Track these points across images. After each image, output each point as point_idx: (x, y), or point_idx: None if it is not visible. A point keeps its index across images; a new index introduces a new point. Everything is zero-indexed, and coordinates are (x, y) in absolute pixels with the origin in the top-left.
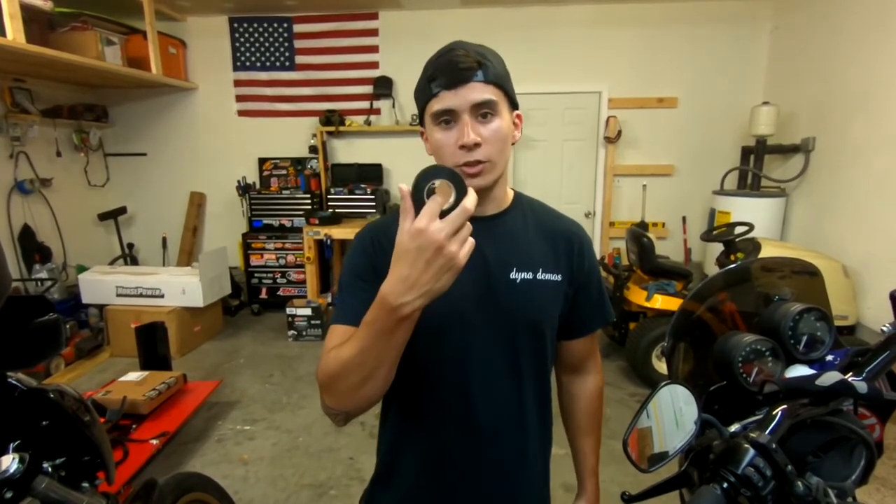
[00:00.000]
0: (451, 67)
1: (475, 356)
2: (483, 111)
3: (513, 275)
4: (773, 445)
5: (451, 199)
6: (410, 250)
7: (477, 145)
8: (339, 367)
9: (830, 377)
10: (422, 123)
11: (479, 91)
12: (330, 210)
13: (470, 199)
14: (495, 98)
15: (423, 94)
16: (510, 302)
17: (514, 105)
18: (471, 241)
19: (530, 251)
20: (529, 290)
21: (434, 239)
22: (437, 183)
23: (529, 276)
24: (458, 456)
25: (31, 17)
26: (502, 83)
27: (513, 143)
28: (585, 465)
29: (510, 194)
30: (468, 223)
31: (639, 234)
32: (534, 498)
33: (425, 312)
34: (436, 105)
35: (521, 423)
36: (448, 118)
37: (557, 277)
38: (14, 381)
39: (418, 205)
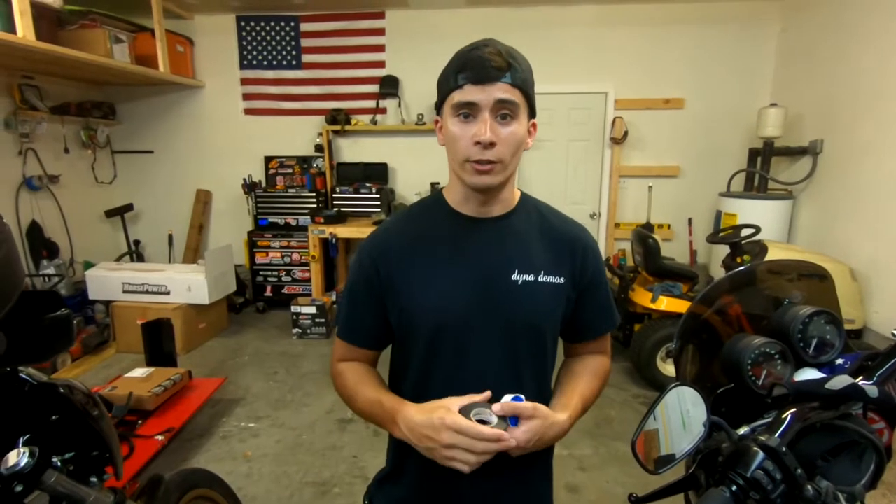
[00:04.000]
0: (481, 63)
1: (474, 356)
2: (504, 112)
3: (514, 276)
4: (783, 449)
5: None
6: (432, 425)
7: (492, 144)
8: (343, 397)
9: (841, 381)
10: (438, 112)
11: (504, 91)
12: (335, 209)
13: (495, 435)
14: (518, 101)
15: (448, 84)
16: (511, 303)
17: (532, 113)
18: (464, 456)
19: (533, 253)
20: (531, 292)
21: (440, 438)
22: (485, 416)
23: (531, 278)
24: None
25: (41, 15)
26: (527, 89)
27: (524, 150)
28: (562, 399)
29: (517, 195)
30: (476, 452)
31: (644, 236)
32: (535, 498)
33: (425, 311)
34: (459, 96)
35: None
36: (468, 112)
37: (560, 280)
38: (25, 376)
39: (464, 412)
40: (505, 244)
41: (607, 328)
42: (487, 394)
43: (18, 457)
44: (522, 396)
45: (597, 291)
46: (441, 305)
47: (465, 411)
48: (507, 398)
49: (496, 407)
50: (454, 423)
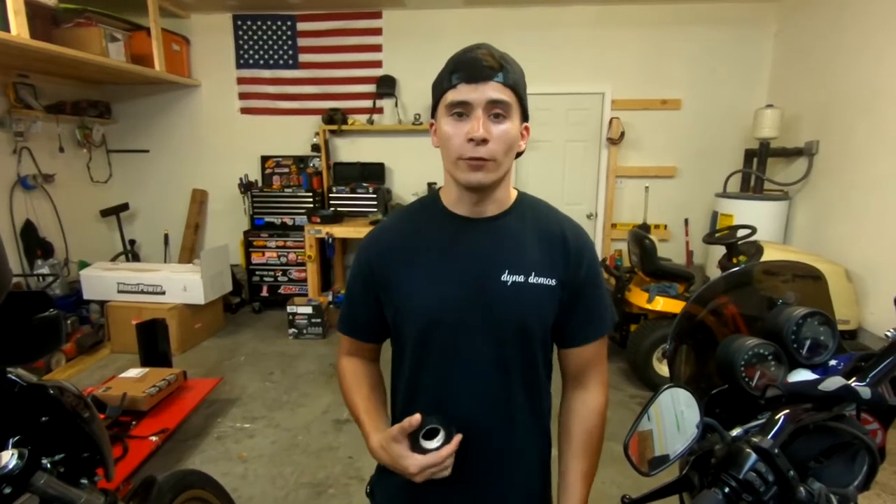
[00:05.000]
0: (474, 64)
1: (464, 355)
2: (496, 111)
3: (504, 277)
4: (776, 450)
5: (438, 442)
6: (398, 470)
7: (485, 141)
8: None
9: (834, 382)
10: (433, 116)
11: (496, 90)
12: (332, 209)
13: (445, 451)
14: (510, 101)
15: (442, 85)
16: (499, 304)
17: (524, 116)
18: (428, 472)
19: (525, 254)
20: (519, 293)
21: (415, 480)
22: (433, 429)
23: (521, 279)
24: None
25: (36, 13)
26: (519, 90)
27: (519, 153)
28: (570, 493)
29: (513, 195)
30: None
31: (641, 236)
32: (532, 496)
33: (417, 309)
34: (453, 96)
35: (512, 420)
36: (461, 111)
37: (551, 282)
38: (14, 377)
39: (413, 437)
40: (497, 244)
41: (598, 333)
42: (417, 418)
43: (7, 458)
44: None
45: (590, 293)
46: (433, 304)
47: (415, 435)
48: None
49: None
50: (419, 467)
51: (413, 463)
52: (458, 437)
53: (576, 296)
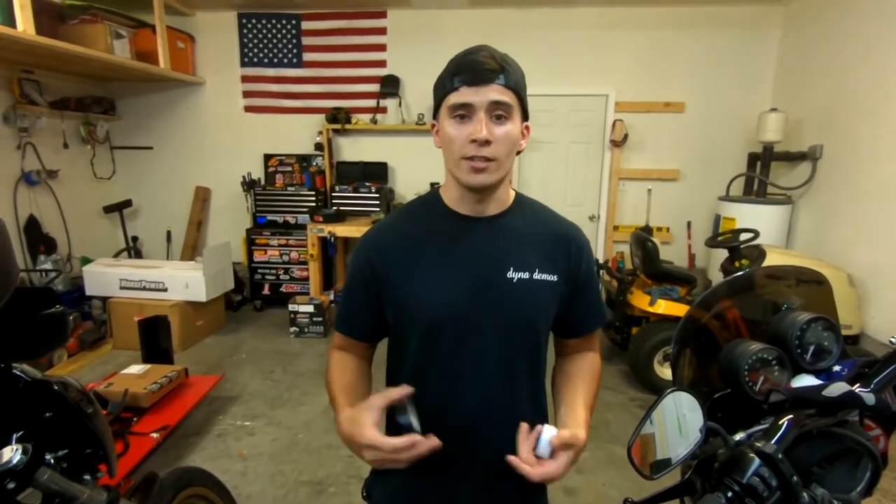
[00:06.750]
0: (475, 66)
1: (470, 351)
2: (498, 112)
3: (510, 274)
4: (779, 455)
5: (411, 421)
6: (352, 443)
7: (487, 142)
8: (326, 382)
9: (838, 388)
10: (435, 117)
11: (498, 92)
12: (334, 208)
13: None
14: (511, 102)
15: (444, 87)
16: (506, 301)
17: (525, 115)
18: (392, 464)
19: (528, 251)
20: (526, 290)
21: (364, 456)
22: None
23: (526, 275)
24: (453, 447)
25: (41, 9)
26: (519, 91)
27: (518, 152)
28: (574, 414)
29: (511, 195)
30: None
31: (643, 239)
32: (536, 494)
33: (422, 307)
34: (455, 98)
35: (515, 418)
36: (464, 113)
37: (553, 278)
38: (18, 373)
39: (390, 418)
40: (500, 243)
41: (597, 325)
42: (408, 390)
43: (11, 454)
44: (555, 428)
45: (588, 290)
46: (438, 301)
47: (398, 410)
48: (546, 435)
49: (545, 441)
50: (369, 441)
51: (365, 438)
52: (432, 441)
53: (576, 292)
